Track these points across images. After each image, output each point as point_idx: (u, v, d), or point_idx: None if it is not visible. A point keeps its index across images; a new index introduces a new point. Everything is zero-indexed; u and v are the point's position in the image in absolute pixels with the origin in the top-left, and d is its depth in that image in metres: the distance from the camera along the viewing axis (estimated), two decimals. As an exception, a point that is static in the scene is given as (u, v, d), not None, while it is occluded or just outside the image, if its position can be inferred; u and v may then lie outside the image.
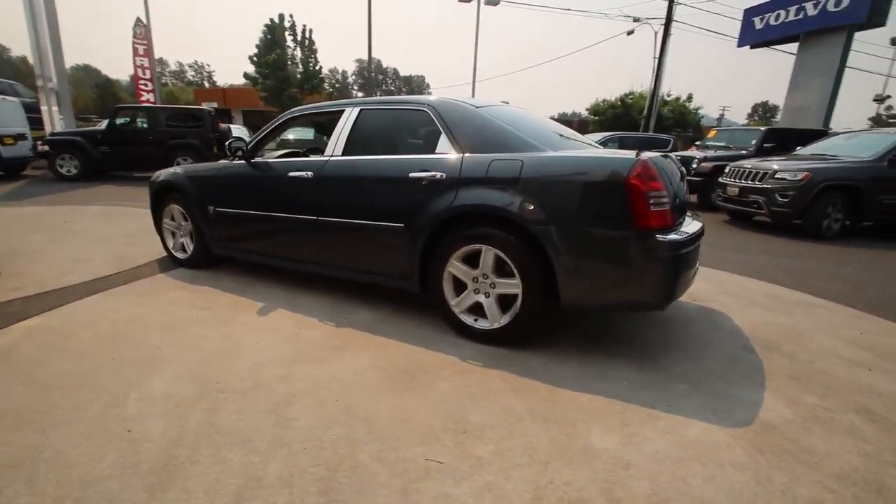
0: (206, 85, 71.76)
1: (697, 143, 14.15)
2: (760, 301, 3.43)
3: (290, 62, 25.91)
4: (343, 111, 2.99)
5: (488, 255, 2.39)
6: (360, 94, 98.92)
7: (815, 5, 16.82)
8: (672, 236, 2.09)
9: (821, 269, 4.57)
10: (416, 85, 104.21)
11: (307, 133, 14.05)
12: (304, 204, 2.98)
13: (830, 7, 16.40)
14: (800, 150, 7.40)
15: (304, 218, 2.98)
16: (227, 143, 3.29)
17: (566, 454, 1.62)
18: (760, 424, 1.85)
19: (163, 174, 3.83)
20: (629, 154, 2.18)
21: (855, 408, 2.01)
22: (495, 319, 2.45)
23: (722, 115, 59.09)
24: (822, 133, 9.15)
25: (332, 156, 2.92)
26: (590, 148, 2.69)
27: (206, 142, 10.01)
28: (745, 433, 1.79)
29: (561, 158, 2.28)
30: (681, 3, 19.96)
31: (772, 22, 18.24)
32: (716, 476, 1.54)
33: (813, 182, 5.88)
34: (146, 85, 14.27)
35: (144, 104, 13.33)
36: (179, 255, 3.88)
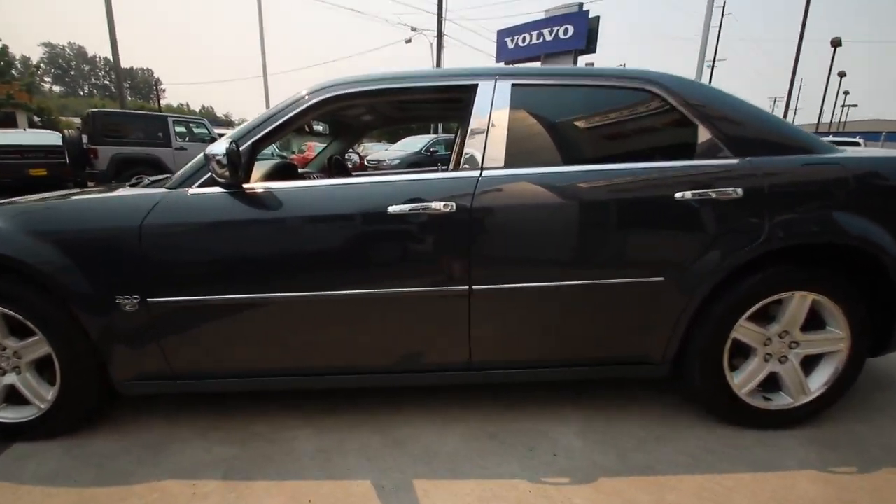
0: None
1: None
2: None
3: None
4: (475, 86, 1.63)
5: (801, 303, 1.61)
6: (56, 89, 74.70)
7: (551, 32, 20.80)
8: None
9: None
10: (141, 79, 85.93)
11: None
12: (436, 263, 1.53)
13: (561, 35, 20.54)
14: None
15: (438, 291, 1.53)
16: (216, 155, 1.41)
17: None
18: None
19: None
20: None
21: None
22: (800, 392, 1.69)
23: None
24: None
25: (483, 167, 1.56)
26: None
27: None
28: None
29: (882, 159, 1.66)
30: (449, 20, 21.86)
31: (520, 43, 21.77)
32: None
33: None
34: None
35: None
36: (7, 417, 1.65)
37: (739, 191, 1.52)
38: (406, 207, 1.49)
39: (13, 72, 27.11)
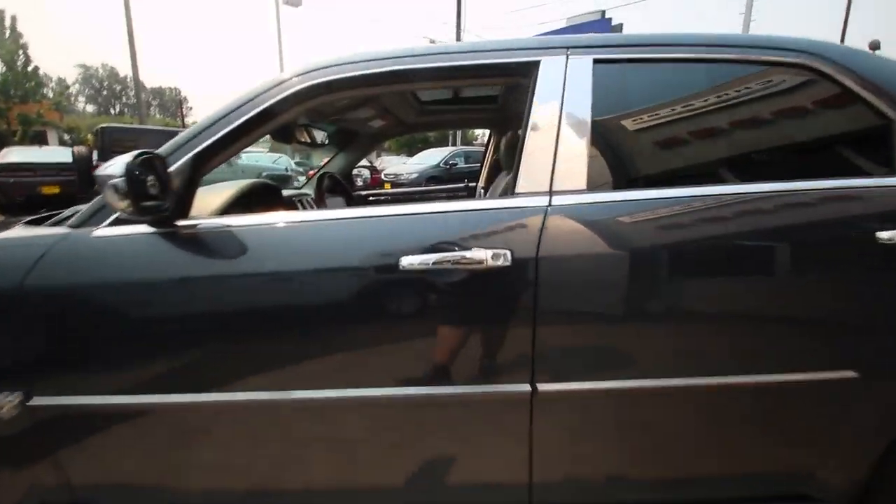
0: None
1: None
2: None
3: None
4: (536, 65, 1.05)
5: None
6: (88, 108, 77.69)
7: (578, 40, 20.96)
8: None
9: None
10: (169, 98, 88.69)
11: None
12: (476, 349, 0.95)
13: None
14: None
15: (480, 392, 0.95)
16: (111, 178, 0.86)
17: None
18: None
19: None
20: None
21: None
22: None
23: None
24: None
25: (552, 191, 0.97)
26: None
27: None
28: None
29: None
30: (468, 31, 21.77)
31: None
32: None
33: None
34: None
35: None
36: None
37: None
38: (429, 259, 0.91)
39: (48, 92, 28.02)
